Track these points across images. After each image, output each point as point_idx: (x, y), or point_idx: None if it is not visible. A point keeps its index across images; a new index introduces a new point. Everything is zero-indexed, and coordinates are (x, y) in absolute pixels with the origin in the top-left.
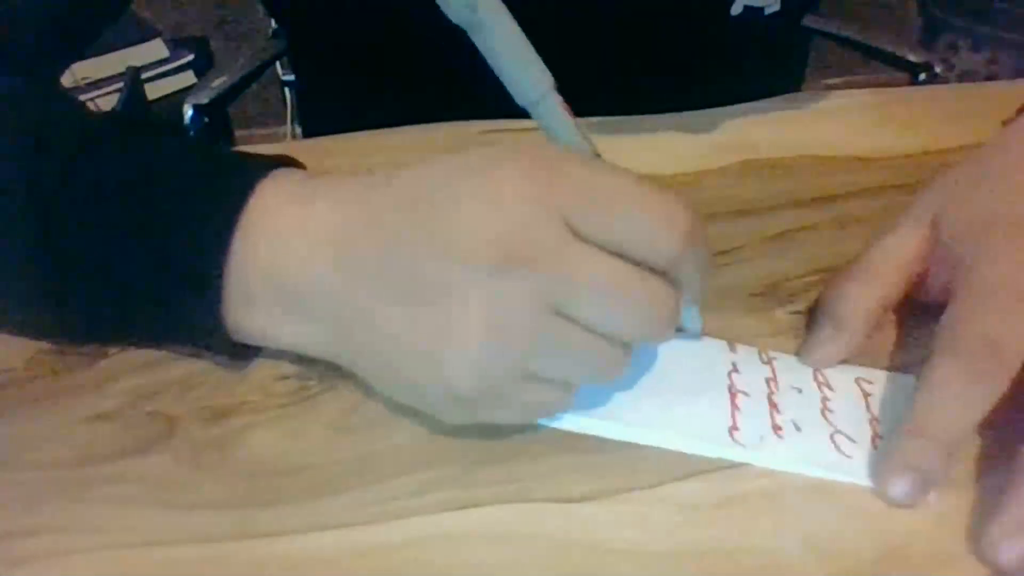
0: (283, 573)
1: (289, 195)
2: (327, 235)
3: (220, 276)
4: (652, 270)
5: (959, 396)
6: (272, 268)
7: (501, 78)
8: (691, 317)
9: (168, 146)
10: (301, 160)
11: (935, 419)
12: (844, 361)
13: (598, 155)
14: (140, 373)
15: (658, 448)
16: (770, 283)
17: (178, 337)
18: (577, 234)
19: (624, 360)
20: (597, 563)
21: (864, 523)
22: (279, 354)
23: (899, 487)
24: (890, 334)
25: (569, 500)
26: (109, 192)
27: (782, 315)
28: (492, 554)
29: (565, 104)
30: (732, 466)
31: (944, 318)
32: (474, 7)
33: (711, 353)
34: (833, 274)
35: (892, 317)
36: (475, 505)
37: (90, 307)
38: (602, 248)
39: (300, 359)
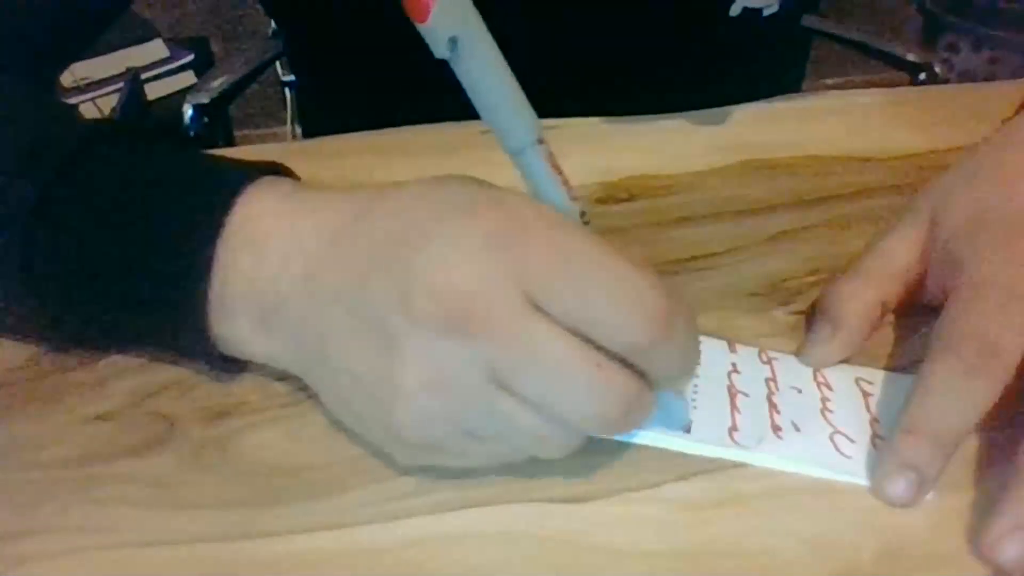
0: (283, 573)
1: (273, 206)
2: (302, 254)
3: (202, 283)
4: (622, 358)
5: (956, 396)
6: (249, 279)
7: (485, 121)
8: (675, 412)
9: (157, 153)
10: (302, 160)
11: (932, 419)
12: (844, 361)
13: (584, 216)
14: (140, 373)
15: (658, 448)
16: (770, 283)
17: (163, 345)
18: (537, 306)
19: (574, 444)
20: (597, 563)
21: (864, 523)
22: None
23: (896, 487)
24: (889, 334)
25: (569, 500)
26: (97, 200)
27: (782, 315)
28: (492, 554)
29: (552, 157)
30: (732, 466)
31: (940, 317)
32: (453, 45)
33: (711, 353)
34: (833, 275)
35: (891, 317)
36: (475, 505)
37: (76, 314)
38: (561, 325)
39: None
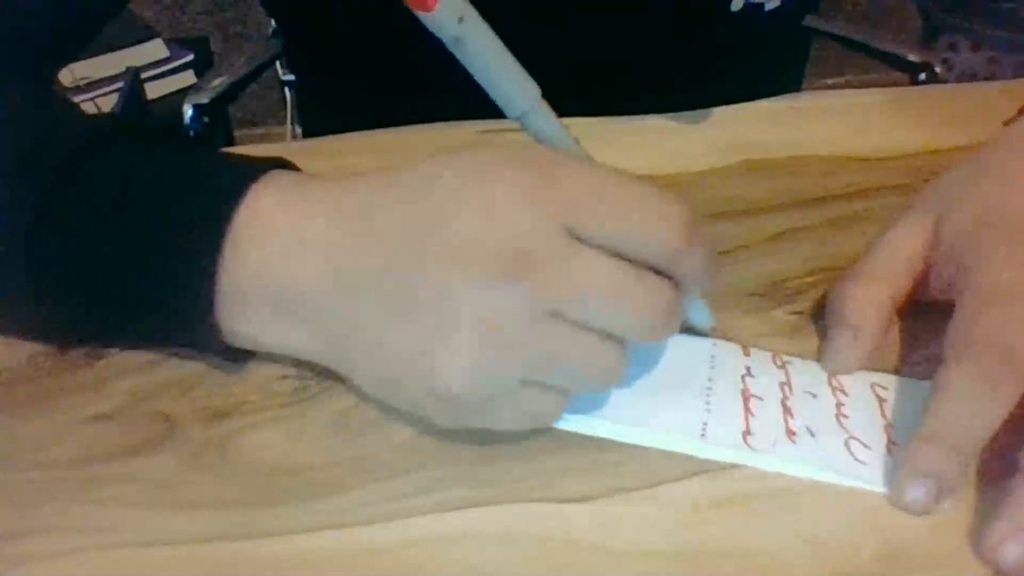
0: (283, 573)
1: (281, 200)
2: (321, 245)
3: (211, 280)
4: (653, 270)
5: (975, 403)
6: (263, 273)
7: (488, 93)
8: (700, 314)
9: (160, 151)
10: (302, 160)
11: (951, 426)
12: None
13: (590, 159)
14: (140, 373)
15: (659, 448)
16: (770, 283)
17: (171, 340)
18: (576, 237)
19: (621, 361)
20: (597, 563)
21: (864, 523)
22: (279, 354)
23: (914, 494)
24: (893, 333)
25: (568, 500)
26: (99, 200)
27: (782, 315)
28: (492, 554)
29: (553, 112)
30: (732, 466)
31: (953, 322)
32: (462, 18)
33: (725, 357)
34: (837, 276)
35: (894, 316)
36: (475, 505)
37: (81, 315)
38: (600, 250)
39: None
